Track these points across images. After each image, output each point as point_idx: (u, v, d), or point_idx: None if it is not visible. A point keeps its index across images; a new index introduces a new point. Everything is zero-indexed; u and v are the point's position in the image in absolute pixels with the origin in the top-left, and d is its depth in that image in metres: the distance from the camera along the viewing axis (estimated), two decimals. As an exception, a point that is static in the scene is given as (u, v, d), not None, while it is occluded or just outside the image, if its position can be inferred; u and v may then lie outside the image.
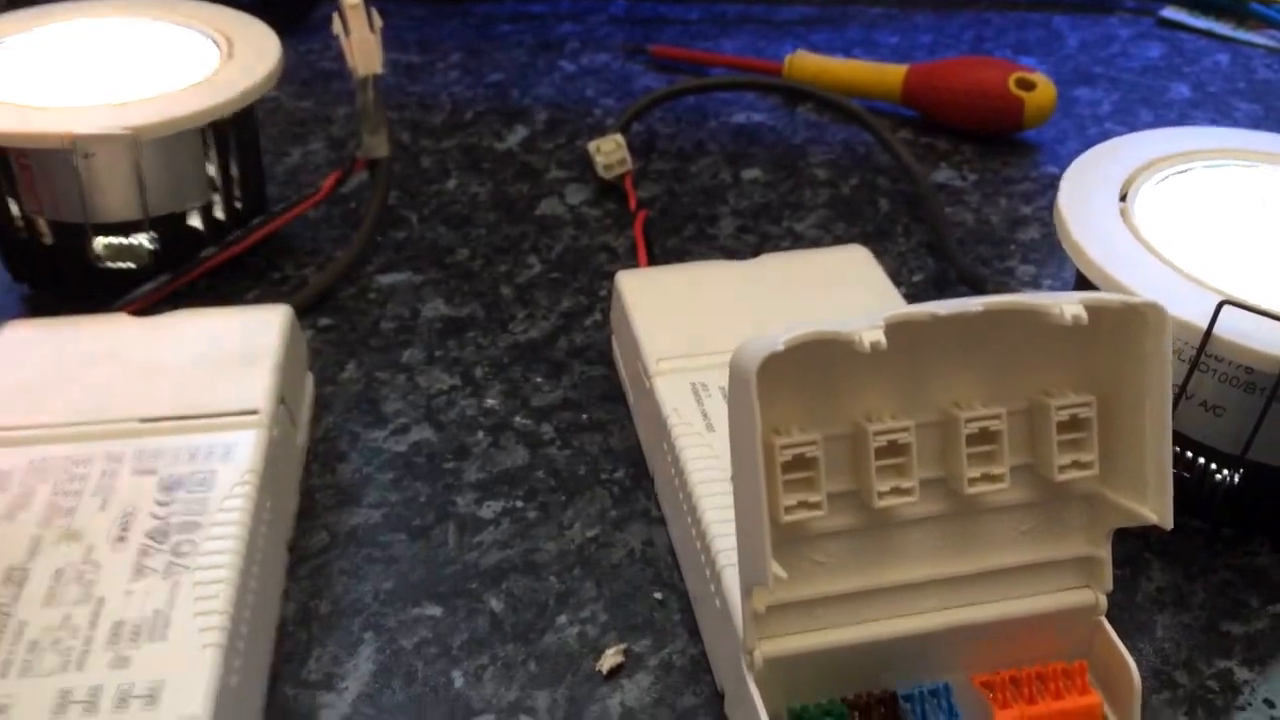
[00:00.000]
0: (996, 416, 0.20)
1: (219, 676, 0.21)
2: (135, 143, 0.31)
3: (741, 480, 0.19)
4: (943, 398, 0.20)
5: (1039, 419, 0.21)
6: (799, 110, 0.46)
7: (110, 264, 0.33)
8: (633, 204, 0.38)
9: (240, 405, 0.27)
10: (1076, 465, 0.21)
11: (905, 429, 0.20)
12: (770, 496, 0.19)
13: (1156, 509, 0.20)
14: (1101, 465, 0.21)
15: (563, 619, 0.26)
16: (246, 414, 0.27)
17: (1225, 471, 0.26)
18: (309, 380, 0.31)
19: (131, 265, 0.33)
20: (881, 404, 0.20)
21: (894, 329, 0.19)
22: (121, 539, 0.24)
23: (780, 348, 0.18)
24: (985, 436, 0.20)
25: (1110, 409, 0.20)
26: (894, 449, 0.20)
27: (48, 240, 0.33)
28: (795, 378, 0.20)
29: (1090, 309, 0.19)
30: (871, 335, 0.18)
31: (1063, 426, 0.20)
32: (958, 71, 0.43)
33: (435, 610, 0.26)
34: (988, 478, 0.20)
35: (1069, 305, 0.19)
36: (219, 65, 0.34)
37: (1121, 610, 0.26)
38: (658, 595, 0.26)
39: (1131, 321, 0.20)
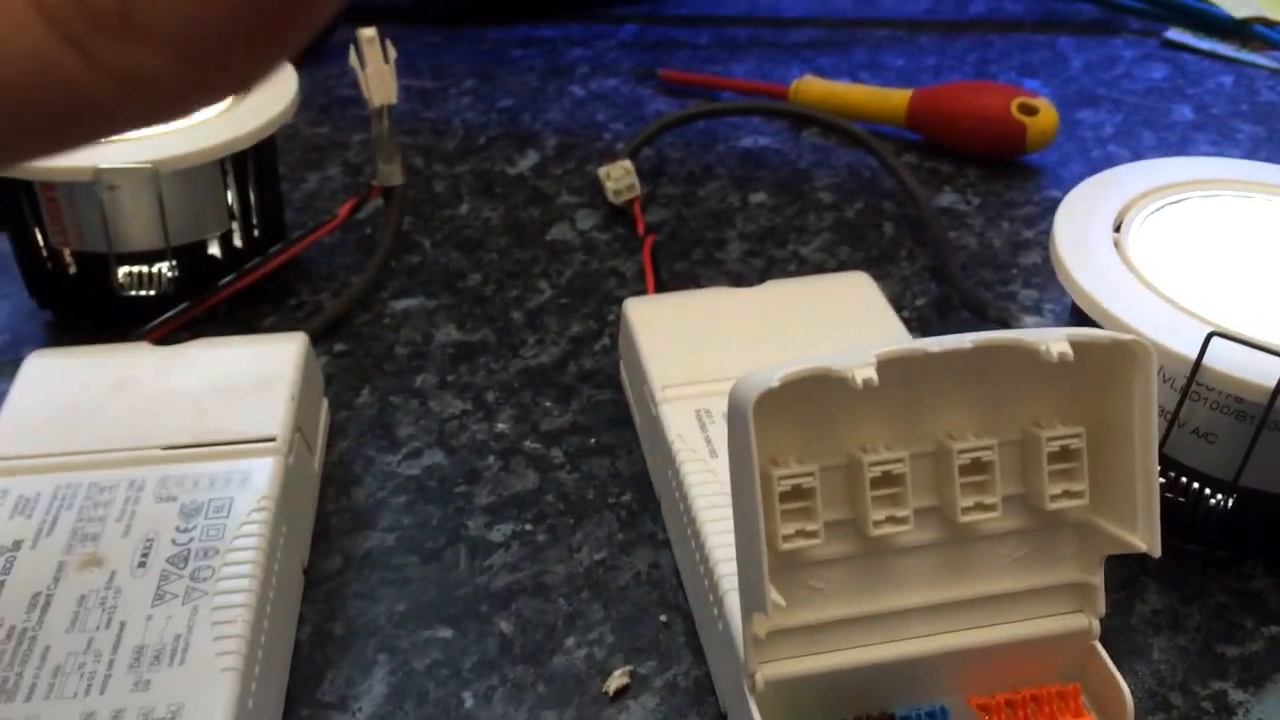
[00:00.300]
0: (989, 447, 0.21)
1: (236, 700, 0.22)
2: (156, 175, 0.32)
3: (741, 509, 0.20)
4: (936, 429, 0.21)
5: (1030, 449, 0.21)
6: (804, 134, 0.47)
7: (132, 292, 0.34)
8: (640, 229, 0.39)
9: (257, 433, 0.28)
10: (1067, 494, 0.21)
11: (900, 460, 0.21)
12: (768, 525, 0.20)
13: (1145, 538, 0.21)
14: (1092, 494, 0.21)
15: (571, 641, 0.26)
16: (264, 441, 0.28)
17: (1219, 497, 0.26)
18: (324, 406, 0.32)
19: (152, 293, 0.34)
20: (876, 435, 0.21)
21: (886, 365, 0.19)
22: (143, 565, 0.25)
23: (775, 383, 0.19)
24: (978, 467, 0.21)
25: (1100, 440, 0.21)
26: (889, 479, 0.21)
27: (72, 270, 0.34)
28: (792, 410, 0.20)
29: (1077, 346, 0.19)
30: (864, 372, 0.19)
31: (1053, 457, 0.21)
32: (961, 96, 0.44)
33: (447, 632, 0.26)
34: (981, 506, 0.21)
35: (1055, 343, 0.19)
36: (237, 99, 0.35)
37: (1118, 633, 0.26)
38: (663, 618, 0.27)
39: (1119, 357, 0.20)
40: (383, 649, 0.26)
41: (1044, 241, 0.40)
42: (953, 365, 0.20)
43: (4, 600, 0.24)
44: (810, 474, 0.20)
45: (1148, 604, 0.27)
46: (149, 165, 0.32)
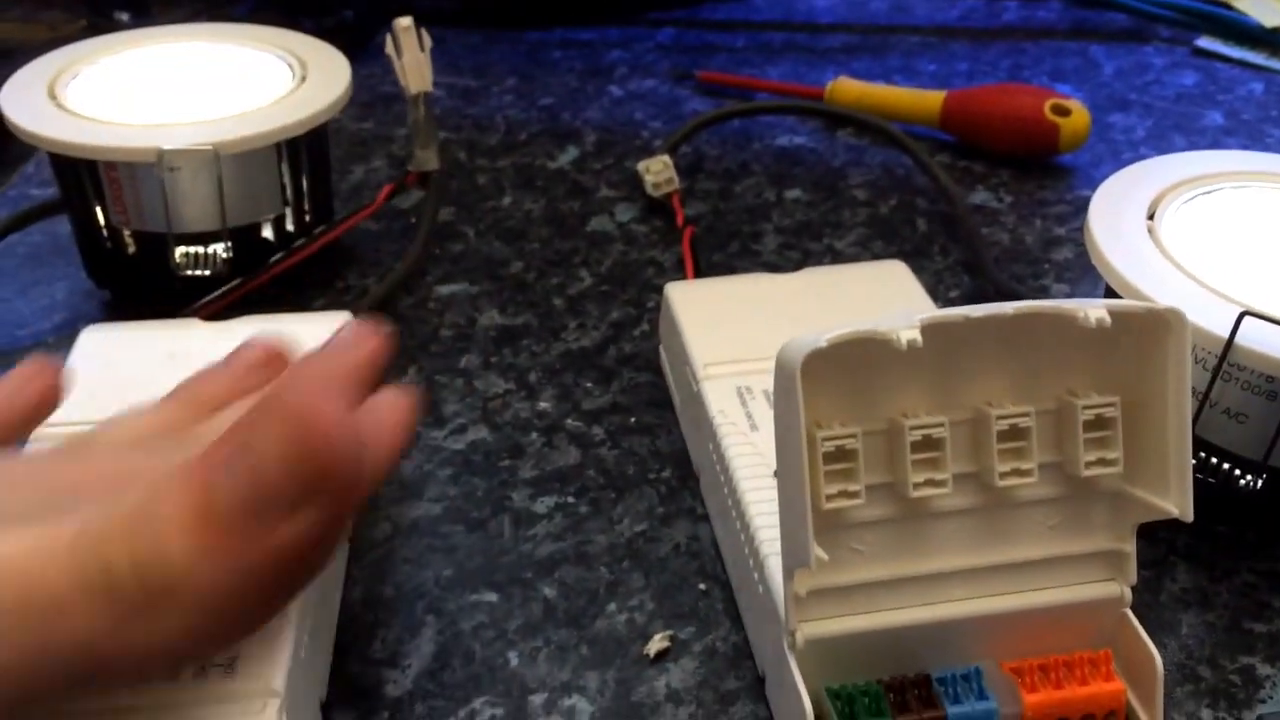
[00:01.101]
0: (1026, 414, 0.22)
1: (291, 651, 0.23)
2: (216, 157, 0.33)
3: (786, 469, 0.21)
4: (975, 397, 0.22)
5: (1066, 418, 0.22)
6: (839, 134, 0.48)
7: (188, 272, 0.35)
8: (680, 220, 0.40)
9: None
10: (1102, 462, 0.22)
11: (940, 424, 0.21)
12: (812, 484, 0.21)
13: (1178, 503, 0.21)
14: (1125, 462, 0.22)
15: (612, 606, 0.27)
16: (316, 411, 0.29)
17: (1249, 477, 0.27)
18: (370, 384, 0.33)
19: (207, 273, 0.35)
20: (917, 402, 0.22)
21: (930, 330, 0.20)
22: (202, 523, 0.26)
23: (823, 344, 0.20)
24: (1015, 433, 0.22)
25: (1133, 409, 0.22)
26: (928, 443, 0.21)
27: (131, 249, 0.35)
28: (836, 375, 0.21)
29: (1114, 314, 0.20)
30: (908, 334, 0.20)
31: (1088, 425, 0.22)
32: (995, 97, 0.45)
33: (492, 596, 0.27)
34: (1017, 472, 0.22)
35: (1094, 310, 0.20)
36: (294, 86, 0.36)
37: (1148, 609, 0.27)
38: (702, 586, 0.28)
39: (1153, 326, 0.21)
40: (431, 611, 0.27)
41: (1076, 238, 0.40)
42: (992, 334, 0.21)
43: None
44: (853, 435, 0.21)
45: (1177, 582, 0.28)
46: (210, 147, 0.33)
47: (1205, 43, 0.54)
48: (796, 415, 0.20)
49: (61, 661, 0.17)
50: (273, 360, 0.25)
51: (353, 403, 0.21)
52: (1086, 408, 0.22)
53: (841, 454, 0.21)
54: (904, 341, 0.20)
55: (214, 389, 0.23)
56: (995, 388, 0.22)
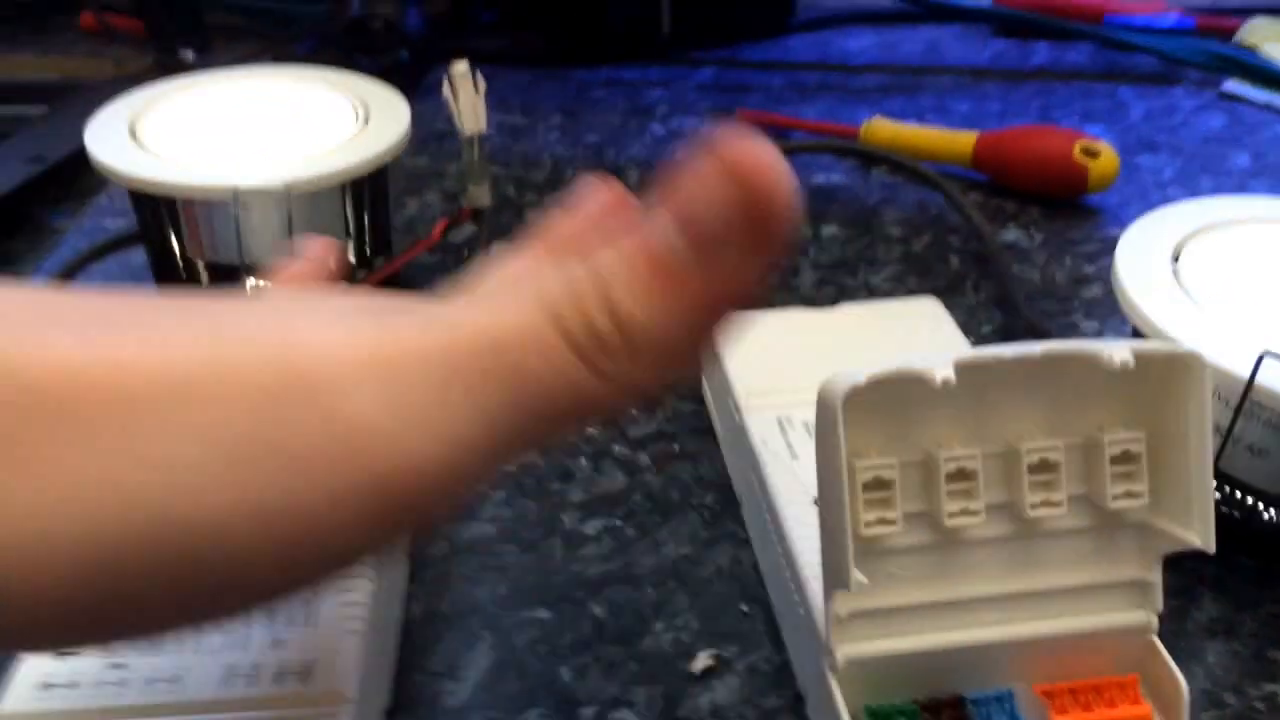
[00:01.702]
0: (1055, 448, 0.23)
1: (363, 659, 0.25)
2: (287, 196, 0.35)
3: (827, 497, 0.22)
4: (1007, 431, 0.23)
5: (1094, 453, 0.23)
6: (874, 172, 0.49)
7: (259, 301, 0.37)
8: (720, 257, 0.42)
9: None
10: (1128, 495, 0.23)
11: (973, 457, 0.23)
12: (852, 511, 0.22)
13: (1200, 535, 0.22)
14: (1151, 496, 0.23)
15: (659, 625, 0.28)
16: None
17: (1272, 511, 0.28)
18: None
19: (277, 303, 0.37)
20: (952, 435, 0.23)
21: (963, 369, 0.21)
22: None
23: (863, 381, 0.21)
24: (1045, 466, 0.23)
25: (1158, 444, 0.23)
26: (962, 474, 0.23)
27: (204, 280, 0.37)
28: (875, 409, 0.22)
29: (1137, 355, 0.22)
30: (944, 372, 0.21)
31: (1115, 459, 0.23)
32: (1025, 139, 0.46)
33: (545, 614, 0.29)
34: (1048, 503, 0.23)
35: (1118, 351, 0.21)
36: (358, 128, 0.38)
37: (1175, 638, 0.28)
38: (744, 608, 0.29)
39: (1175, 367, 0.22)
40: (486, 626, 0.28)
41: (1105, 277, 0.42)
42: (1023, 372, 0.23)
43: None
44: (891, 466, 0.22)
45: (1204, 612, 0.29)
46: (281, 187, 0.35)
47: (1232, 86, 0.55)
48: (838, 447, 0.21)
49: (553, 405, 0.18)
50: (620, 205, 0.24)
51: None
52: (1113, 442, 0.23)
53: (879, 483, 0.23)
54: (939, 380, 0.21)
55: (571, 229, 0.23)
56: (1026, 423, 0.23)
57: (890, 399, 0.22)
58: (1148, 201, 0.46)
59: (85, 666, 0.24)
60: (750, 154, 0.19)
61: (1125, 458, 0.23)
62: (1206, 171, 0.49)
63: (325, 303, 0.19)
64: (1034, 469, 0.23)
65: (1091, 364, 0.22)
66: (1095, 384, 0.23)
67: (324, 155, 0.37)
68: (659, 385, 0.20)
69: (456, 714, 0.26)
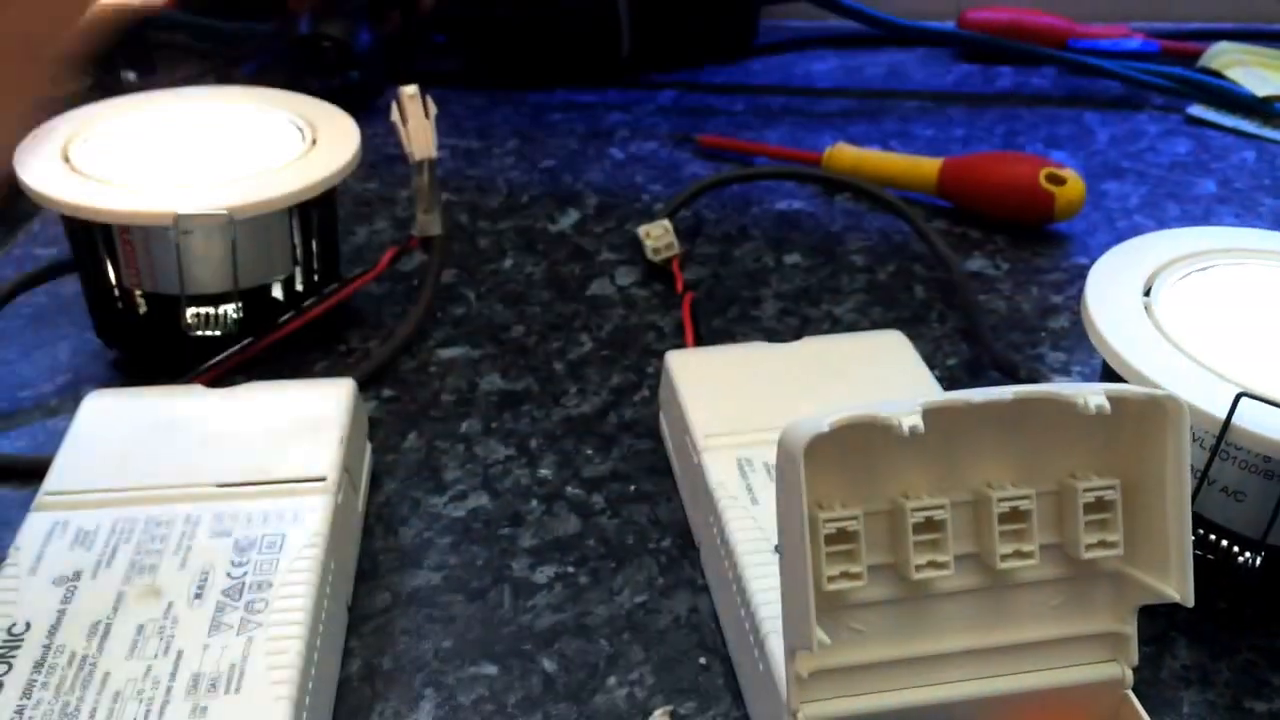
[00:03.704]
0: (1027, 497, 0.22)
1: (290, 726, 0.23)
2: (231, 222, 0.33)
3: (788, 550, 0.21)
4: (976, 479, 0.22)
5: (1066, 500, 0.22)
6: (837, 199, 0.48)
7: (199, 332, 0.35)
8: (680, 286, 0.41)
9: (309, 473, 0.29)
10: (1102, 545, 0.22)
11: (941, 506, 0.21)
12: (814, 565, 0.21)
13: (1179, 588, 0.21)
14: (1126, 545, 0.22)
15: (612, 680, 0.27)
16: (315, 481, 0.29)
17: (1247, 554, 0.27)
18: (368, 450, 0.33)
19: (218, 333, 0.35)
20: (918, 483, 0.22)
21: (931, 414, 0.20)
22: (199, 596, 0.26)
23: (825, 429, 0.20)
24: (1016, 515, 0.22)
25: (1134, 492, 0.22)
26: (930, 525, 0.22)
27: (142, 310, 0.36)
28: (838, 457, 0.21)
29: (1113, 400, 0.20)
30: (910, 420, 0.20)
31: (1089, 508, 0.22)
32: (991, 166, 0.45)
33: (491, 669, 0.27)
34: (1019, 554, 0.22)
35: (1093, 396, 0.20)
36: (305, 150, 0.37)
37: (1148, 686, 0.27)
38: (703, 660, 0.27)
39: (1152, 412, 0.21)
40: (429, 684, 0.27)
41: (1072, 306, 0.41)
42: (992, 417, 0.21)
43: (65, 628, 0.25)
44: (855, 518, 0.21)
45: (1177, 659, 0.28)
46: (225, 212, 0.33)
47: (1198, 110, 0.55)
48: (799, 498, 0.20)
49: None
50: None
51: None
52: (1087, 490, 0.22)
53: (843, 535, 0.21)
54: (906, 428, 0.20)
55: None
56: (996, 469, 0.22)
57: (854, 445, 0.21)
58: (1114, 229, 0.46)
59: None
60: None
61: (1099, 505, 0.22)
62: (1173, 198, 0.48)
63: None
64: (1004, 518, 0.22)
65: (1064, 409, 0.21)
66: (1068, 428, 0.22)
67: (269, 178, 0.35)
68: None
69: (395, 780, 0.25)
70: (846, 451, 0.21)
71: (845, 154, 0.49)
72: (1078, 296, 0.41)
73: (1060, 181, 0.44)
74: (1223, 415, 0.25)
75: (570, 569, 0.30)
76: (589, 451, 0.34)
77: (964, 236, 0.45)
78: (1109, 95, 0.58)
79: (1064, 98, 0.58)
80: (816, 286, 0.42)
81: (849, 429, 0.20)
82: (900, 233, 0.46)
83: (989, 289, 0.42)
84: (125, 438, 0.30)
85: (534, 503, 0.32)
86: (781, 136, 0.54)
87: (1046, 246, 0.45)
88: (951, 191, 0.46)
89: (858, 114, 0.57)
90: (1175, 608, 0.28)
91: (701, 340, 0.38)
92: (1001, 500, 0.22)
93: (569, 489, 0.33)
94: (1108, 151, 0.52)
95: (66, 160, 0.36)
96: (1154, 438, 0.21)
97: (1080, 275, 0.43)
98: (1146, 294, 0.30)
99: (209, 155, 0.37)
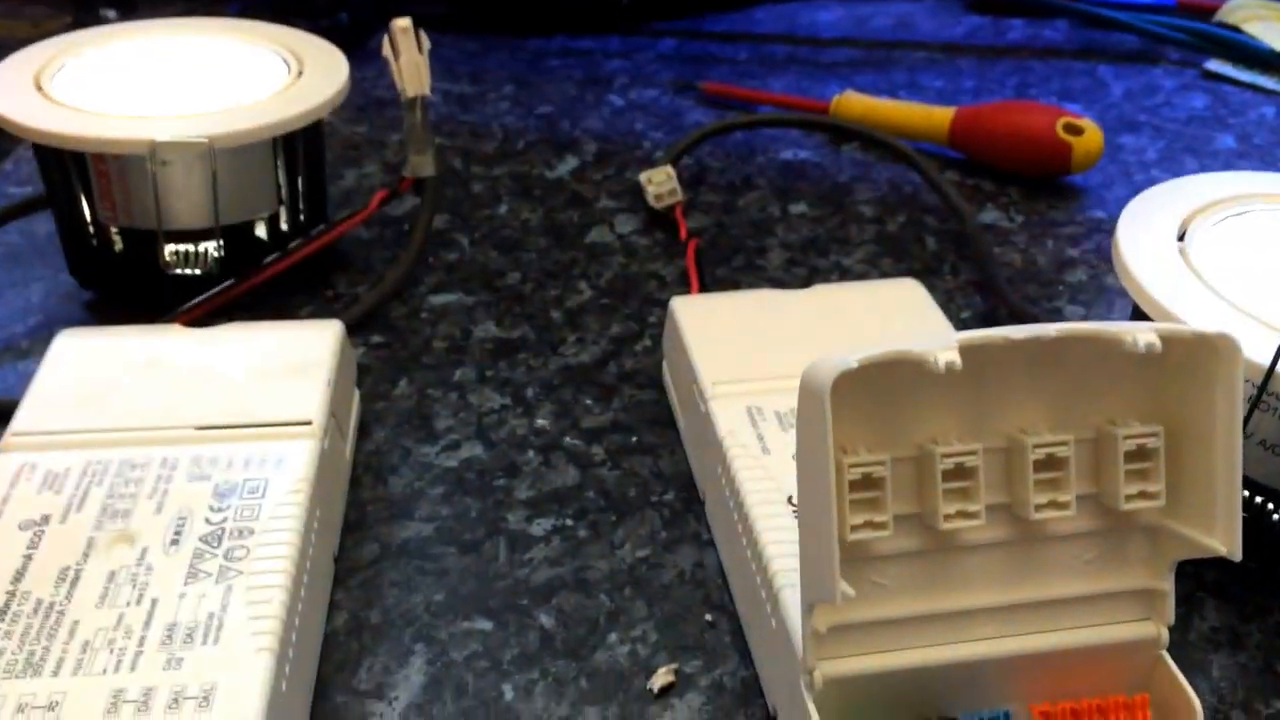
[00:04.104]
0: (1064, 443, 0.20)
1: (272, 681, 0.21)
2: (211, 151, 0.31)
3: (809, 497, 0.20)
4: (1008, 424, 0.21)
5: (1105, 448, 0.21)
6: (844, 149, 0.47)
7: (178, 271, 0.33)
8: (683, 233, 0.39)
9: (294, 416, 0.27)
10: (1143, 495, 0.21)
11: (973, 452, 0.20)
12: (838, 514, 0.19)
13: (1225, 540, 0.20)
14: (1167, 496, 0.21)
15: (613, 637, 0.26)
16: (300, 425, 0.27)
17: (1283, 512, 0.25)
18: (355, 397, 0.32)
19: (198, 272, 0.33)
20: (948, 429, 0.20)
21: (967, 351, 0.19)
22: (175, 543, 0.24)
23: (854, 364, 0.18)
24: (1052, 463, 0.20)
25: (1176, 439, 0.20)
26: (960, 472, 0.20)
27: (118, 247, 0.34)
28: (864, 399, 0.20)
29: (1162, 338, 0.19)
30: (947, 356, 0.18)
31: (1130, 456, 0.20)
32: (1006, 115, 0.44)
33: (486, 624, 0.26)
34: (1054, 504, 0.20)
35: (1143, 334, 0.19)
36: (290, 81, 0.35)
37: (1176, 649, 0.25)
38: (708, 617, 0.26)
39: (1202, 353, 0.20)
40: (420, 639, 0.25)
41: (1090, 260, 0.39)
42: (1030, 357, 0.20)
43: (31, 574, 0.23)
44: (881, 463, 0.20)
45: (1206, 621, 0.26)
46: (204, 140, 0.31)
47: (1215, 65, 0.53)
48: (824, 441, 0.19)
49: None
50: None
51: None
52: (1128, 437, 0.20)
53: (868, 482, 0.20)
54: (942, 364, 0.18)
55: None
56: (1030, 414, 0.21)
57: (882, 386, 0.20)
58: (1131, 183, 0.44)
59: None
60: None
61: (1140, 454, 0.20)
62: (1191, 153, 0.47)
63: None
64: (1039, 465, 0.20)
65: (1109, 348, 0.19)
66: (1108, 371, 0.20)
67: (252, 108, 0.33)
68: None
69: (384, 739, 0.23)
70: (872, 393, 0.20)
71: (854, 102, 0.47)
72: (1095, 250, 0.40)
73: (1078, 131, 0.42)
74: (1265, 363, 0.24)
75: (569, 522, 0.29)
76: (588, 402, 0.33)
77: (976, 189, 0.44)
78: (1123, 49, 0.56)
79: (1077, 51, 0.56)
80: (824, 237, 0.41)
81: (878, 368, 0.19)
82: (910, 184, 0.44)
83: (1003, 241, 0.40)
84: (98, 378, 0.28)
85: (530, 453, 0.31)
86: (786, 86, 0.52)
87: (1061, 200, 0.43)
88: (963, 141, 0.45)
89: (864, 64, 0.55)
90: (1203, 566, 0.27)
91: (706, 289, 0.36)
92: (1037, 446, 0.20)
93: (567, 440, 0.31)
94: (1123, 105, 0.51)
95: (39, 89, 0.34)
96: (1202, 380, 0.20)
97: (1098, 229, 0.41)
98: (1180, 238, 0.28)
99: (189, 85, 0.35)
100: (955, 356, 0.18)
